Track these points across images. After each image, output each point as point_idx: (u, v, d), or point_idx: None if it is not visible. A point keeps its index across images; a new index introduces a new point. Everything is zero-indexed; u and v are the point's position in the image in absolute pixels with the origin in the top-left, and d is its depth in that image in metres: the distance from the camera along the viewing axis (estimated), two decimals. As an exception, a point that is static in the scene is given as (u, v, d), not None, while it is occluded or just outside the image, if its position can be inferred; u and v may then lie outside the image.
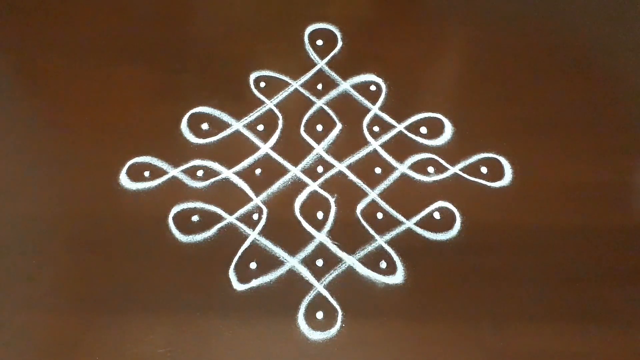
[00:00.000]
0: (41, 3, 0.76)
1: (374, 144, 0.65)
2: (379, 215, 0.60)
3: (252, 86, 0.69)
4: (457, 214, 0.61)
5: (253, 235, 0.59)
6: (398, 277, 0.57)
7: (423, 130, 0.66)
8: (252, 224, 0.60)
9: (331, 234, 0.59)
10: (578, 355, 0.54)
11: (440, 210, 0.61)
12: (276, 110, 0.67)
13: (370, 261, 0.58)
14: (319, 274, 0.57)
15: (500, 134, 0.66)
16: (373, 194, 0.62)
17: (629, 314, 0.56)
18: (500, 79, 0.69)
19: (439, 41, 0.74)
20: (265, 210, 0.61)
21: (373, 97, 0.68)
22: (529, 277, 0.57)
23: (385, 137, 0.66)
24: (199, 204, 0.61)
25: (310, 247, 0.59)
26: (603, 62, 0.72)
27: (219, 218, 0.60)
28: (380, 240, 0.59)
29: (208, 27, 0.75)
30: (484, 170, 0.64)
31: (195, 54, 0.71)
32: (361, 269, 0.57)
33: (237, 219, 0.60)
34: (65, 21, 0.74)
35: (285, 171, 0.63)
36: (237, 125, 0.66)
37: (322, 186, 0.62)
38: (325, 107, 0.67)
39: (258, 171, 0.63)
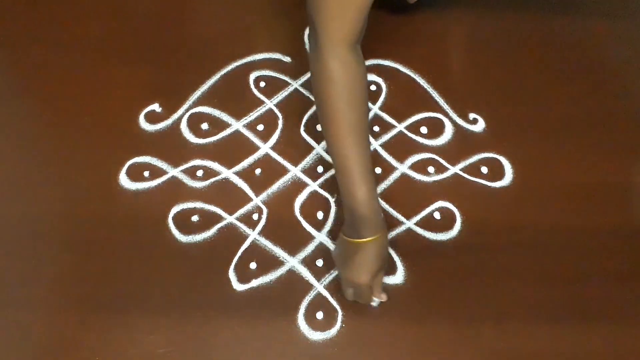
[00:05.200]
0: (42, 4, 0.76)
1: (374, 144, 0.65)
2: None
3: (252, 86, 0.69)
4: (457, 214, 0.61)
5: (253, 235, 0.59)
6: (398, 277, 0.57)
7: (423, 130, 0.66)
8: (252, 224, 0.60)
9: (331, 234, 0.59)
10: (578, 355, 0.54)
11: (440, 210, 0.61)
12: (276, 110, 0.67)
13: (370, 261, 0.58)
14: (319, 274, 0.57)
15: (500, 134, 0.66)
16: (373, 194, 0.62)
17: (629, 314, 0.56)
18: (501, 80, 0.69)
19: (439, 41, 0.74)
20: (265, 210, 0.61)
21: (373, 97, 0.68)
22: (529, 277, 0.57)
23: (386, 137, 0.66)
24: (198, 204, 0.61)
25: (310, 247, 0.59)
26: (604, 64, 0.72)
27: (219, 218, 0.60)
28: (380, 240, 0.59)
29: (208, 27, 0.74)
30: (484, 170, 0.63)
31: (196, 54, 0.71)
32: (361, 269, 0.57)
33: (237, 219, 0.60)
34: (66, 22, 0.74)
35: (285, 171, 0.63)
36: (237, 125, 0.66)
37: (322, 186, 0.62)
38: (325, 107, 0.67)
39: (258, 171, 0.63)
